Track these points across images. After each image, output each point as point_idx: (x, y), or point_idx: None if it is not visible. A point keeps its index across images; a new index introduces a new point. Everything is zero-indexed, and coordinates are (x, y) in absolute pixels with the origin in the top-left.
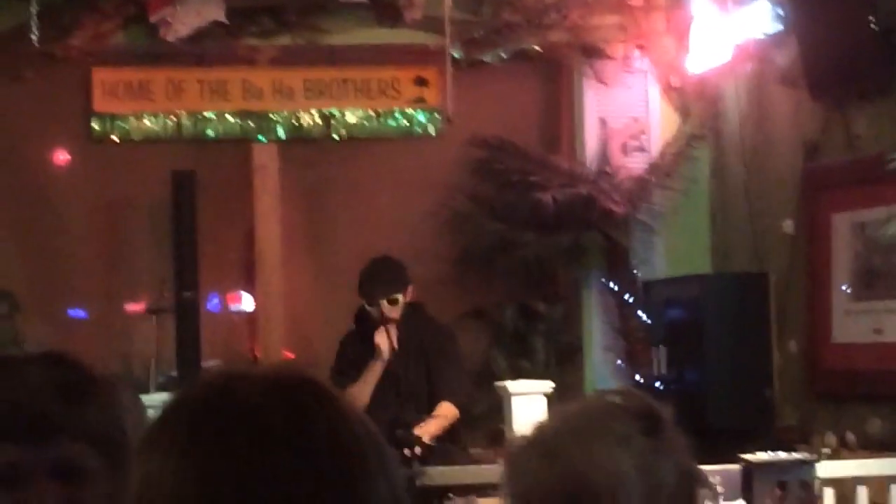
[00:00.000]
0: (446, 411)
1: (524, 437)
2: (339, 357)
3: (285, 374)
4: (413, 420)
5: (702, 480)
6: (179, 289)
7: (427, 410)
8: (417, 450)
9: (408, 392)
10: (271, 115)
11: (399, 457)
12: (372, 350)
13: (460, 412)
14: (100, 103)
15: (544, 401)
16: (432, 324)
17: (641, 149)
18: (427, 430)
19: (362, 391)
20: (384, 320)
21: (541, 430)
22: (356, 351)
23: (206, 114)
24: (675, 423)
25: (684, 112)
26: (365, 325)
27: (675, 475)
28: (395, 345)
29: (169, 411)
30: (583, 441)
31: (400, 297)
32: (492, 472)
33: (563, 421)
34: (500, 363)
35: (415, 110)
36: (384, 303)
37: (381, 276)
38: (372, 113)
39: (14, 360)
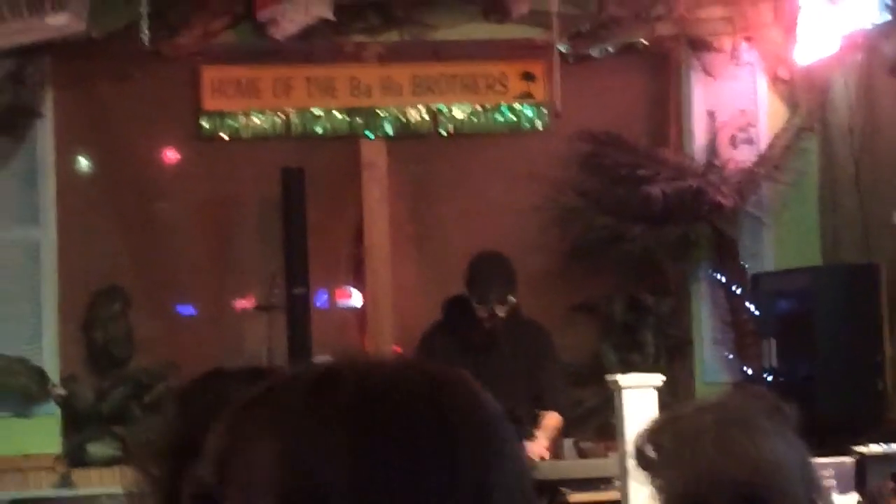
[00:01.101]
0: (554, 422)
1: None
2: (424, 350)
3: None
4: (525, 414)
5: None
6: (290, 285)
7: (529, 410)
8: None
9: (506, 391)
10: (379, 112)
11: None
12: (462, 343)
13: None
14: (209, 101)
15: (655, 394)
16: (532, 325)
17: (750, 141)
18: (540, 447)
19: None
20: (491, 319)
21: (691, 420)
22: (444, 343)
23: (314, 111)
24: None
25: (792, 104)
26: (457, 317)
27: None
28: (497, 343)
29: (287, 390)
30: (750, 432)
31: (511, 298)
32: (602, 466)
33: (715, 413)
34: (610, 357)
35: (522, 105)
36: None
37: (495, 275)
38: (479, 108)
39: (226, 375)
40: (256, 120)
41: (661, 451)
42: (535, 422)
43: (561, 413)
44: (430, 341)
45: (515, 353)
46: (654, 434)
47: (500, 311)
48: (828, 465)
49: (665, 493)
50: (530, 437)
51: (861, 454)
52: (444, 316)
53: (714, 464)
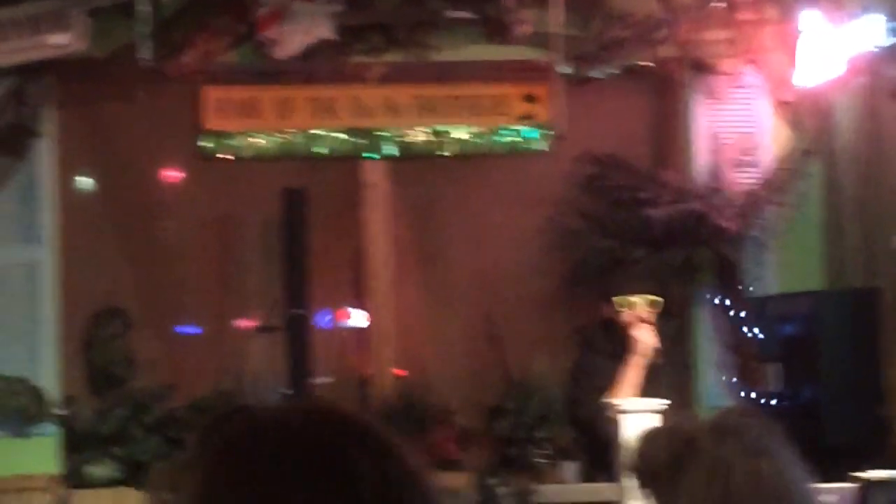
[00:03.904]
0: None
1: (686, 452)
2: None
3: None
4: None
5: None
6: (290, 306)
7: None
8: None
9: None
10: (381, 133)
11: None
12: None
13: None
14: (210, 121)
15: (658, 419)
16: None
17: (753, 164)
18: None
19: None
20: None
21: (714, 448)
22: None
23: (315, 131)
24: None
25: (796, 127)
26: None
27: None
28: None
29: (194, 445)
30: (775, 464)
31: None
32: (607, 489)
33: (737, 441)
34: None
35: (524, 127)
36: None
37: None
38: (481, 130)
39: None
40: (258, 140)
41: (684, 478)
42: None
43: None
44: None
45: None
46: (672, 459)
47: None
48: (831, 491)
49: None
50: None
51: (864, 480)
52: None
53: (749, 475)
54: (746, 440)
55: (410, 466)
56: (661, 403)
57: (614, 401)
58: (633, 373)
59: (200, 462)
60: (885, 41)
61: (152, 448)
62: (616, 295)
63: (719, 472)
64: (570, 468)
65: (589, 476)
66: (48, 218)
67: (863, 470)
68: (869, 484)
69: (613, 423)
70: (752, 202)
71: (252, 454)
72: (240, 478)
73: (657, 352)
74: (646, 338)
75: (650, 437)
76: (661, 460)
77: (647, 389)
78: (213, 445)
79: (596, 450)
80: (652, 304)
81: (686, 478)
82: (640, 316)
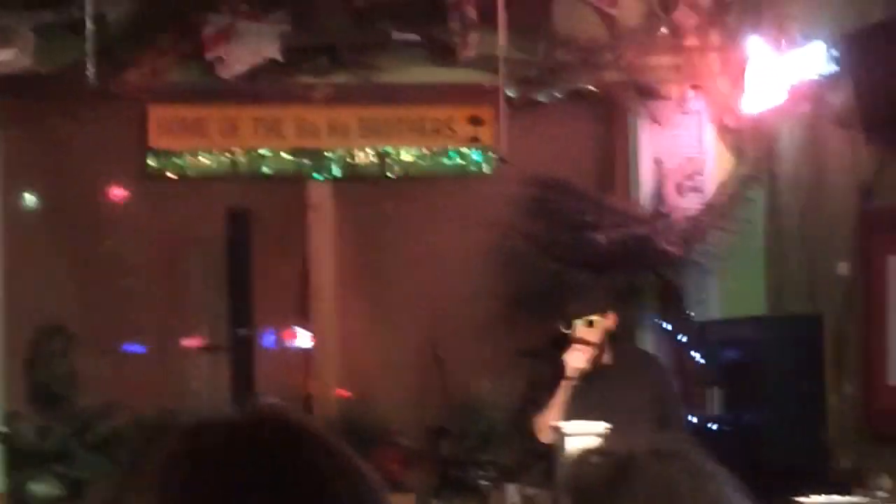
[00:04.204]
0: None
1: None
2: None
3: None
4: None
5: None
6: (234, 326)
7: None
8: None
9: None
10: (326, 153)
11: None
12: None
13: None
14: (156, 140)
15: (599, 442)
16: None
17: (696, 189)
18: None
19: None
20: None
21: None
22: None
23: (261, 151)
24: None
25: (739, 153)
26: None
27: None
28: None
29: (141, 460)
30: (720, 485)
31: None
32: None
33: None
34: None
35: (470, 149)
36: None
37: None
38: (427, 151)
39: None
40: (203, 159)
41: (622, 500)
42: None
43: None
44: None
45: None
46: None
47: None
48: None
49: None
50: None
51: None
52: None
53: (692, 495)
54: (689, 462)
55: (372, 477)
56: (603, 426)
57: (555, 423)
58: (559, 395)
59: (159, 478)
60: (828, 69)
61: (95, 466)
62: (561, 316)
63: (662, 492)
64: (512, 490)
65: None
66: None
67: (804, 494)
68: None
69: (555, 446)
70: (696, 227)
71: (212, 466)
72: (203, 491)
73: (582, 374)
74: (572, 360)
75: (586, 459)
76: (598, 482)
77: (588, 412)
78: (172, 461)
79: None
80: (590, 324)
81: (625, 499)
82: (576, 337)
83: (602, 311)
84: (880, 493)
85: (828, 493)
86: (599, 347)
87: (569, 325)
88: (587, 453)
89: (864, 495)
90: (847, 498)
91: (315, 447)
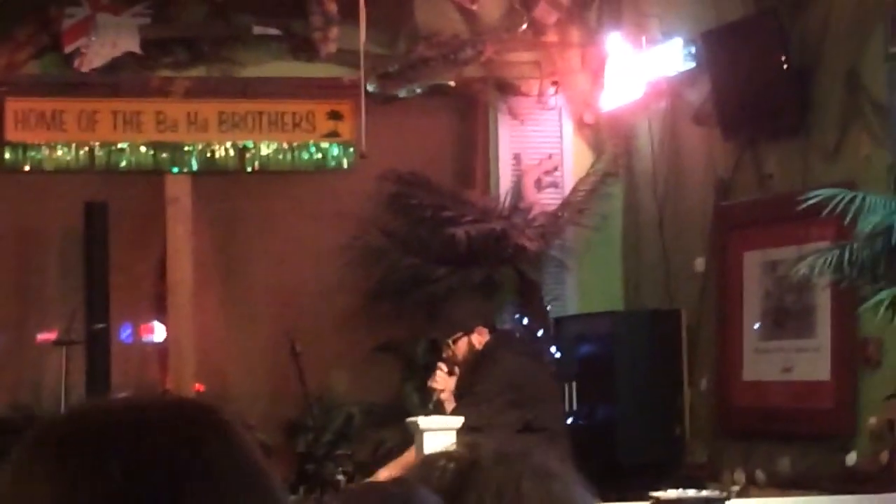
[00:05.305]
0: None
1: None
2: None
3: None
4: None
5: None
6: (90, 320)
7: None
8: None
9: None
10: (185, 147)
11: None
12: None
13: None
14: (12, 133)
15: (455, 436)
16: None
17: (555, 185)
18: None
19: None
20: None
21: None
22: None
23: (119, 145)
24: None
25: (598, 149)
26: None
27: None
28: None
29: (34, 440)
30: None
31: None
32: None
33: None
34: (412, 398)
35: (329, 144)
36: None
37: None
38: (286, 146)
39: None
40: (60, 153)
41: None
42: None
43: None
44: None
45: None
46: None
47: None
48: None
49: None
50: None
51: (657, 499)
52: None
53: (536, 498)
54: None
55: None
56: (458, 422)
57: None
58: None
59: (43, 469)
60: (685, 66)
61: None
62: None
63: (507, 493)
64: None
65: None
66: None
67: (660, 489)
68: (661, 502)
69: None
70: (554, 222)
71: (97, 453)
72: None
73: (434, 391)
74: (432, 381)
75: (430, 461)
76: (441, 484)
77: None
78: (58, 452)
79: None
80: (446, 346)
81: (469, 501)
82: (444, 356)
83: (470, 331)
84: (734, 488)
85: (683, 487)
86: (463, 366)
87: (443, 341)
88: (433, 457)
89: (719, 489)
90: (701, 492)
91: (221, 429)
